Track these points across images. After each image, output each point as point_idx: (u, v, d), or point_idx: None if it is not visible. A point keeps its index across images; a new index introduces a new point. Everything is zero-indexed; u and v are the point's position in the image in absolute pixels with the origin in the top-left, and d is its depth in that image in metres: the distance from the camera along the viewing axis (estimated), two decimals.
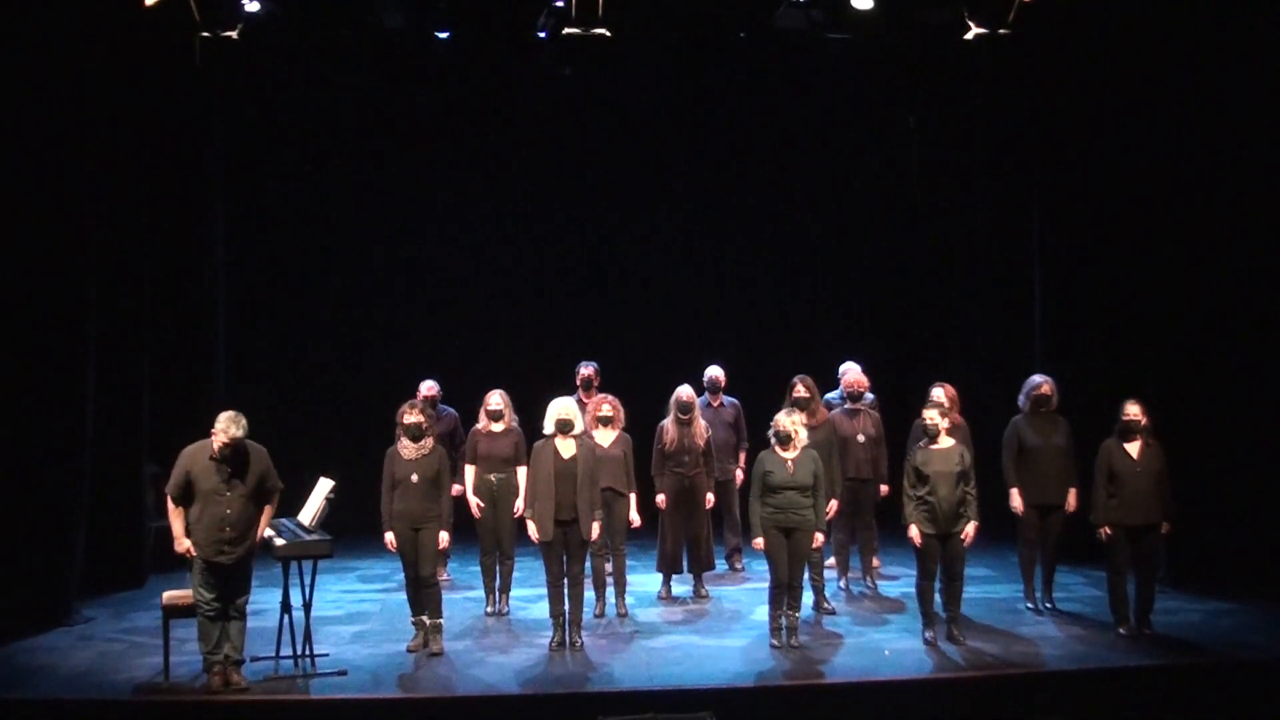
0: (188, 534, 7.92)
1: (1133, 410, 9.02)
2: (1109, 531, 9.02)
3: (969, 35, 10.78)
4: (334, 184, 13.04)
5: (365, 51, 11.71)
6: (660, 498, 10.09)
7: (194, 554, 7.91)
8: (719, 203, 13.51)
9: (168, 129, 11.01)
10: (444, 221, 13.25)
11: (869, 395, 10.89)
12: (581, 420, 8.93)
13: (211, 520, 7.87)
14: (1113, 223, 11.07)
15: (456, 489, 9.60)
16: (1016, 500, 9.63)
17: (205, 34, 10.46)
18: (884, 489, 10.27)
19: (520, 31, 11.01)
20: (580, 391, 10.55)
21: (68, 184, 9.66)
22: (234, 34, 10.50)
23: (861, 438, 10.09)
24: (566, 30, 10.49)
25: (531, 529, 8.78)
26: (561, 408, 8.80)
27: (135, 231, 10.64)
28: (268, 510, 8.15)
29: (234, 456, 7.90)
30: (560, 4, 10.44)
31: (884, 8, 10.72)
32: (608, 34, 10.46)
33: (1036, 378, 9.84)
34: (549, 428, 8.79)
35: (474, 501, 9.66)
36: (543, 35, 10.86)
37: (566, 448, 8.76)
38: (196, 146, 11.49)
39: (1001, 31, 10.68)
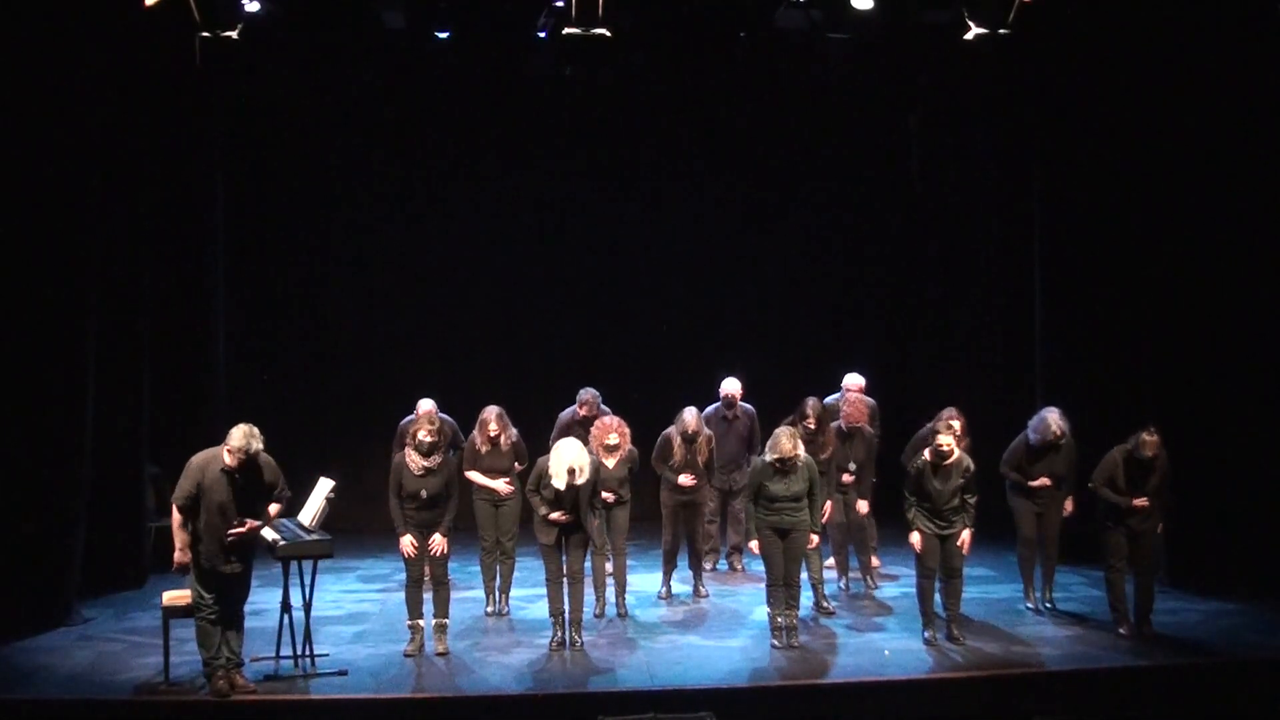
0: (191, 546, 7.80)
1: (1151, 445, 8.83)
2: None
3: (969, 35, 10.79)
4: (334, 184, 13.05)
5: (365, 51, 11.70)
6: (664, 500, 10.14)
7: (189, 564, 7.84)
8: (719, 203, 13.48)
9: (168, 129, 11.00)
10: (444, 221, 13.23)
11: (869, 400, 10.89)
12: (588, 462, 8.70)
13: (215, 534, 7.78)
14: (1114, 223, 11.05)
15: (474, 477, 9.57)
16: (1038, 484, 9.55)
17: (205, 34, 10.47)
18: (864, 506, 10.17)
19: (520, 31, 11.02)
20: (578, 427, 10.27)
21: (68, 184, 9.64)
22: (234, 34, 10.51)
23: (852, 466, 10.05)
24: (566, 30, 10.50)
25: (535, 503, 8.78)
26: (567, 455, 8.64)
27: (135, 232, 10.63)
28: (275, 508, 8.08)
29: (246, 471, 7.82)
30: (560, 4, 10.45)
31: (884, 8, 10.73)
32: (608, 34, 10.47)
33: (1045, 414, 9.54)
34: (558, 480, 8.59)
35: (501, 484, 9.56)
36: (543, 35, 10.87)
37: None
38: (196, 146, 11.48)
39: (1001, 31, 10.69)
